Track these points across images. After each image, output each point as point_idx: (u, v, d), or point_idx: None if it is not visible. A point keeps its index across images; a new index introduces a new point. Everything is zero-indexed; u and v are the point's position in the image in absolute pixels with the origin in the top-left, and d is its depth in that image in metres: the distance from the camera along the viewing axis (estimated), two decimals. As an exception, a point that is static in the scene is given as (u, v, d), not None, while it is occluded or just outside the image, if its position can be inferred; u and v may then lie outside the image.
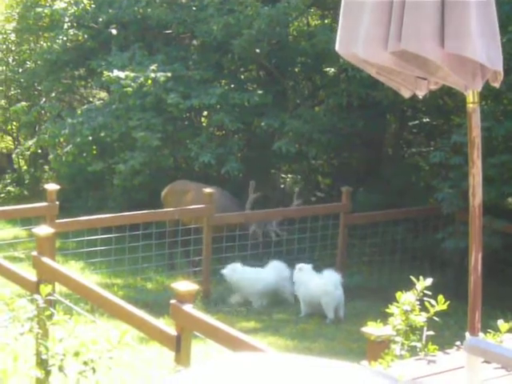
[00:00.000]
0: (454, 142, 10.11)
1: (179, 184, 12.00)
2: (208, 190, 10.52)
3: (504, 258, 10.32)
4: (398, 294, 4.64)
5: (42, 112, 15.80)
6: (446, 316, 5.04)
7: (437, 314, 4.62)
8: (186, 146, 12.88)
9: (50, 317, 5.42)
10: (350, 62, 4.15)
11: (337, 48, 3.98)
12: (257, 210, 11.34)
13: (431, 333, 4.65)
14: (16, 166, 17.29)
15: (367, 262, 11.56)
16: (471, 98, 3.85)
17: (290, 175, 15.10)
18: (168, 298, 5.52)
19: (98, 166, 13.23)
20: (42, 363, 5.29)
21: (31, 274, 6.45)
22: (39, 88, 15.91)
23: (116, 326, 6.38)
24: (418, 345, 4.60)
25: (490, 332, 4.64)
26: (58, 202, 9.56)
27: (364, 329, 4.32)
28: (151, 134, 12.20)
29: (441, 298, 4.63)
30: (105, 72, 12.73)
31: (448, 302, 4.63)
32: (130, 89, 12.28)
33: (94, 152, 13.56)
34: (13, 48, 16.47)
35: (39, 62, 15.29)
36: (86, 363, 4.91)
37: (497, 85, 3.87)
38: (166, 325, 5.55)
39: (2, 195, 16.31)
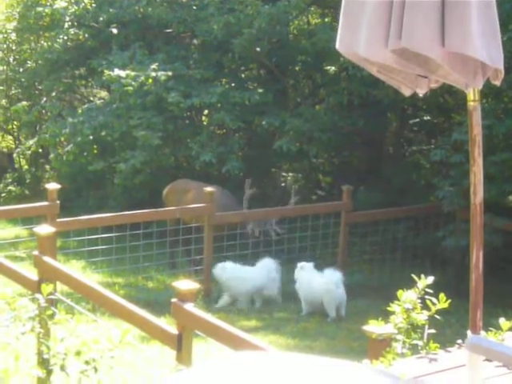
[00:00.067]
0: (454, 140, 10.11)
1: (180, 183, 12.00)
2: (209, 188, 10.53)
3: (505, 255, 10.33)
4: (399, 293, 4.64)
5: (43, 111, 15.81)
6: (447, 314, 5.04)
7: (438, 312, 4.63)
8: (186, 144, 12.89)
9: (52, 316, 5.43)
10: (351, 60, 4.15)
11: (337, 46, 3.98)
12: (257, 208, 11.35)
13: (432, 331, 4.66)
14: (17, 166, 17.29)
15: (368, 260, 11.57)
16: (472, 96, 3.84)
17: (290, 174, 15.10)
18: (169, 296, 5.52)
19: (99, 165, 13.23)
20: (44, 362, 5.29)
21: (32, 274, 6.45)
22: (40, 87, 15.91)
23: (117, 325, 6.39)
24: (420, 343, 4.61)
25: (491, 330, 4.64)
26: (58, 202, 9.58)
27: (365, 327, 4.32)
28: (152, 133, 12.21)
29: (442, 296, 4.63)
30: (105, 71, 12.73)
31: (449, 300, 4.63)
32: (130, 88, 12.28)
33: (95, 151, 13.57)
34: (13, 47, 16.47)
35: (40, 62, 15.29)
36: (87, 362, 4.91)
37: (497, 83, 3.87)
38: (168, 324, 5.55)
39: (3, 195, 16.31)
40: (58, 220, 9.41)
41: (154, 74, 12.30)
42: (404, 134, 14.68)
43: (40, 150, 16.09)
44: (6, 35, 16.18)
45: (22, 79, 16.25)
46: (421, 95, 4.22)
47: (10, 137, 18.07)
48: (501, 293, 9.39)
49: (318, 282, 9.55)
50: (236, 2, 12.60)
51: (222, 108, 12.61)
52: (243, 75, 14.69)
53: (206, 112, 14.14)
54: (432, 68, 3.85)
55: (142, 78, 12.27)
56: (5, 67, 16.55)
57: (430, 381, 4.32)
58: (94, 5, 14.29)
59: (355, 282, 10.58)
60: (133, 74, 12.32)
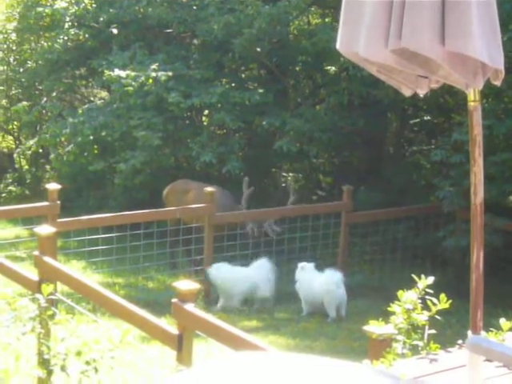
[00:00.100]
0: (454, 140, 10.11)
1: (180, 183, 12.00)
2: (209, 189, 10.53)
3: (505, 256, 10.32)
4: (400, 293, 4.64)
5: (43, 112, 15.81)
6: (447, 314, 5.04)
7: (438, 312, 4.62)
8: (186, 145, 12.89)
9: (52, 316, 5.43)
10: (351, 60, 4.14)
11: (338, 46, 3.97)
12: (257, 208, 11.35)
13: (433, 331, 4.66)
14: (17, 166, 17.29)
15: (368, 260, 11.57)
16: (472, 96, 3.84)
17: (291, 174, 15.10)
18: (170, 297, 5.51)
19: (99, 165, 13.24)
20: (44, 363, 5.29)
21: (33, 274, 6.45)
22: (40, 87, 15.91)
23: (118, 325, 6.38)
24: (420, 343, 4.60)
25: (491, 330, 4.64)
26: (59, 202, 9.58)
27: (366, 327, 4.32)
28: (152, 133, 12.21)
29: (442, 296, 4.63)
30: (106, 71, 12.74)
31: (450, 301, 4.63)
32: (130, 88, 12.29)
33: (95, 151, 13.57)
34: (14, 48, 16.48)
35: (40, 62, 15.30)
36: (88, 363, 4.91)
37: (498, 83, 3.86)
38: (168, 324, 5.55)
39: (4, 195, 16.31)
40: (59, 220, 9.41)
41: (154, 74, 12.30)
42: (404, 134, 14.67)
43: (40, 150, 16.10)
44: (6, 35, 16.19)
45: (23, 79, 16.26)
46: (421, 95, 4.22)
47: (11, 137, 18.08)
48: (501, 293, 9.39)
49: (319, 282, 9.55)
50: (236, 2, 12.60)
51: (222, 108, 12.61)
52: (243, 75, 14.69)
53: (206, 112, 14.14)
54: (432, 68, 3.85)
55: (143, 78, 12.28)
56: (5, 67, 16.56)
57: (430, 381, 4.32)
58: (94, 5, 14.30)
59: (355, 283, 10.58)
60: (133, 74, 12.33)
